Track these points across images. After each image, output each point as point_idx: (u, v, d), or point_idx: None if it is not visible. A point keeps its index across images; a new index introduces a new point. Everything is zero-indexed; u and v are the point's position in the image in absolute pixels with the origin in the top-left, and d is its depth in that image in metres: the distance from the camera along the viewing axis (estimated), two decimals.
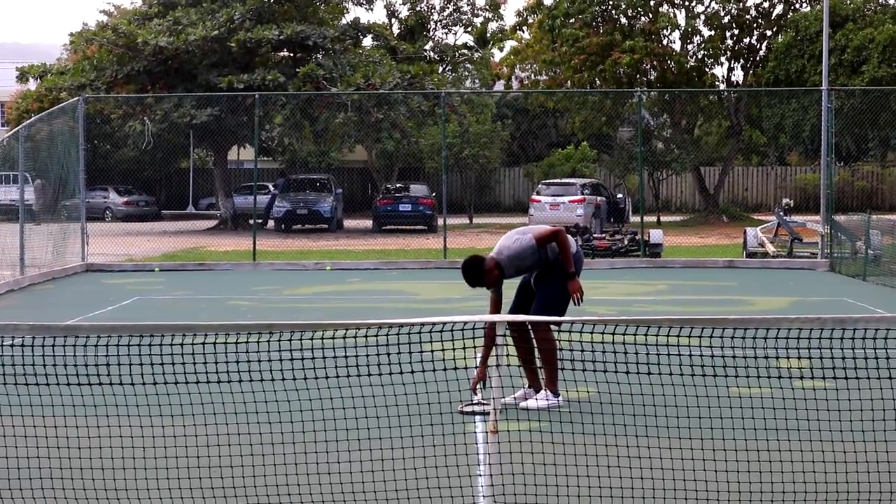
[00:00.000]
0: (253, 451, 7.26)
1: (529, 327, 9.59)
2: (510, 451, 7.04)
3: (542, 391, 9.79)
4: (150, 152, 45.52)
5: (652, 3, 46.40)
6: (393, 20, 59.45)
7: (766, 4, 47.09)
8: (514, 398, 9.77)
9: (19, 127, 25.13)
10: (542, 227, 10.17)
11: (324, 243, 35.70)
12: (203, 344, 6.68)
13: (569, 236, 10.13)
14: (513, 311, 10.11)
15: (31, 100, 52.44)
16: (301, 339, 6.93)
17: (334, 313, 17.44)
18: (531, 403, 9.69)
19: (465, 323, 6.60)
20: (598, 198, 40.11)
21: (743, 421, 7.62)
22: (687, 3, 47.28)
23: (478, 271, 9.82)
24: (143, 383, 6.80)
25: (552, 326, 9.25)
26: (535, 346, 9.69)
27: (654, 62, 46.68)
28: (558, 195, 37.39)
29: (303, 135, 44.16)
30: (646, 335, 6.71)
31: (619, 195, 43.04)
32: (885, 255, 23.14)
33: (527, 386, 9.94)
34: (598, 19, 46.23)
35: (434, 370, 6.90)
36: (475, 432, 8.32)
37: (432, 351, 6.89)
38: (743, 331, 6.71)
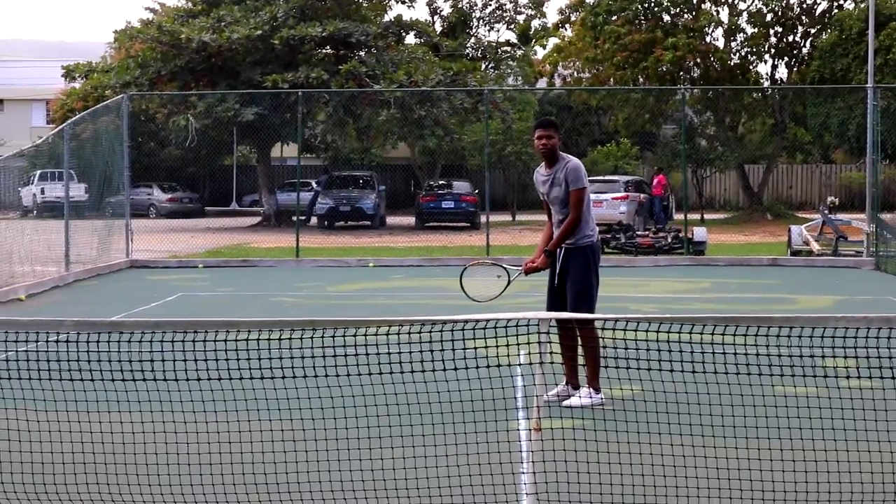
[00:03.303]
0: (296, 447, 7.26)
1: (575, 324, 9.54)
2: (553, 448, 7.02)
3: (585, 388, 9.75)
4: (194, 149, 45.73)
5: (694, 0, 46.20)
6: (435, 17, 59.49)
7: (809, 1, 46.77)
8: (557, 395, 9.75)
9: (64, 125, 25.30)
10: (585, 203, 10.12)
11: (366, 240, 35.75)
12: (246, 340, 6.69)
13: (584, 228, 10.07)
14: (549, 304, 10.12)
15: (76, 98, 52.87)
16: (344, 336, 6.92)
17: (377, 310, 17.46)
18: (574, 401, 9.66)
19: (509, 320, 6.57)
20: (642, 195, 40.00)
21: (788, 420, 7.56)
22: (730, 1, 47.06)
23: (556, 124, 10.34)
24: (188, 379, 6.81)
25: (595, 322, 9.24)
26: (580, 342, 9.64)
27: (697, 59, 46.48)
28: (601, 192, 37.19)
29: (346, 132, 44.26)
30: (690, 333, 6.68)
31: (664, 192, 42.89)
32: None
33: (565, 383, 9.91)
34: (641, 16, 46.09)
35: (478, 367, 6.88)
36: (518, 429, 8.30)
37: (475, 348, 6.88)
38: (788, 329, 6.67)
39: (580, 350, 9.71)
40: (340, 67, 39.78)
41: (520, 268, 10.14)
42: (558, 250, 9.99)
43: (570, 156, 10.18)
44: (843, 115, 45.14)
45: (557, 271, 10.01)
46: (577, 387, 9.85)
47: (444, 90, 39.37)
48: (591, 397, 9.66)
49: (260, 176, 46.98)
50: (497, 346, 6.74)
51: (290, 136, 45.02)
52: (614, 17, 45.64)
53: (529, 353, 6.58)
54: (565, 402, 9.66)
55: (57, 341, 6.99)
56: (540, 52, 62.25)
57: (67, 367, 6.86)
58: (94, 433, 7.20)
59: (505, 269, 10.17)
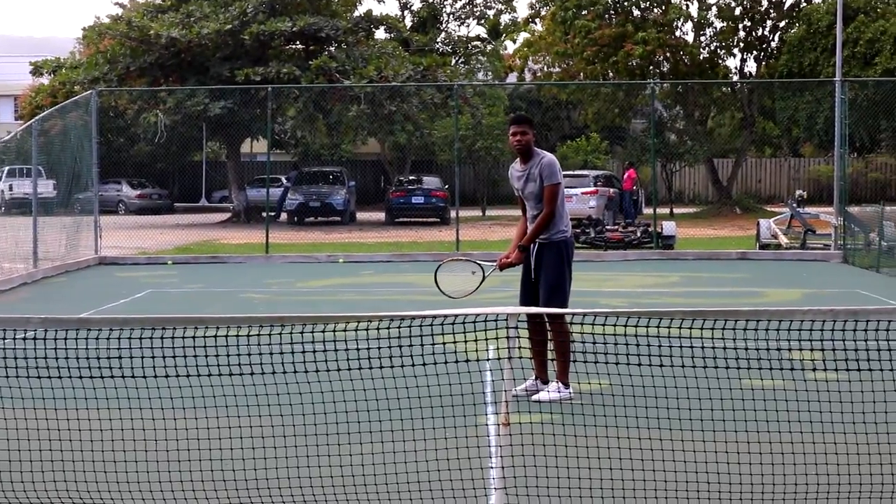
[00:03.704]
0: (265, 443, 7.27)
1: (546, 319, 9.57)
2: (522, 443, 7.03)
3: (554, 383, 9.78)
4: (164, 145, 45.59)
5: None
6: (405, 12, 59.44)
7: None
8: (526, 390, 9.79)
9: (33, 121, 25.17)
10: (559, 199, 10.16)
11: (336, 236, 35.73)
12: (215, 336, 6.68)
13: (556, 225, 10.09)
14: (522, 299, 10.15)
15: (44, 94, 52.60)
16: (313, 332, 6.93)
17: (347, 306, 17.46)
18: (543, 396, 9.69)
19: (478, 315, 6.59)
20: (611, 189, 40.08)
21: (755, 413, 7.61)
22: None
23: (531, 120, 10.30)
24: (156, 376, 6.80)
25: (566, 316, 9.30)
26: (550, 337, 9.67)
27: (667, 54, 46.63)
28: (571, 187, 37.19)
29: (315, 127, 44.20)
30: (658, 327, 6.70)
31: (634, 187, 43.01)
32: None
33: (534, 378, 9.94)
34: (611, 11, 46.18)
35: (446, 362, 6.89)
36: (487, 424, 8.32)
37: (444, 343, 6.89)
38: (755, 323, 6.69)
39: (550, 345, 9.75)
40: (310, 63, 39.71)
41: (494, 263, 10.17)
42: (532, 245, 10.03)
43: (544, 152, 10.21)
44: (811, 109, 45.35)
45: (532, 266, 10.04)
46: (545, 381, 9.88)
47: (413, 85, 39.35)
48: (559, 392, 9.70)
49: (229, 172, 46.88)
50: (466, 342, 6.76)
51: (260, 131, 45.02)
52: (584, 12, 45.70)
53: (498, 349, 6.59)
54: (534, 397, 9.70)
55: (24, 338, 6.97)
56: (510, 47, 62.31)
57: (35, 364, 6.84)
58: (62, 430, 7.17)
59: (479, 265, 10.18)
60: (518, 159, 10.27)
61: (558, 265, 9.98)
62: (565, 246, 10.07)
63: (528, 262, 10.08)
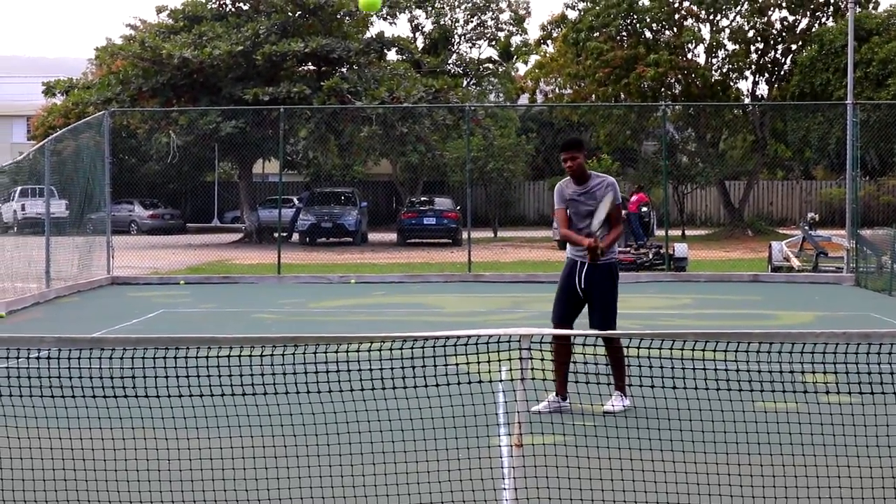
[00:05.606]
0: (278, 463, 7.26)
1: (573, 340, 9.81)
2: (534, 464, 7.02)
3: (617, 393, 9.96)
4: (176, 166, 45.69)
5: (676, 17, 46.35)
6: (417, 34, 59.58)
7: (790, 18, 46.98)
8: (559, 404, 9.90)
9: (45, 141, 25.23)
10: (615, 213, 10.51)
11: (348, 256, 35.74)
12: (228, 357, 6.69)
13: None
14: (562, 315, 10.39)
15: (57, 114, 52.81)
16: (326, 352, 6.93)
17: (359, 326, 17.45)
18: (617, 407, 9.90)
19: (490, 336, 6.59)
20: (623, 211, 40.03)
21: (768, 435, 7.59)
22: (711, 18, 47.23)
23: (579, 144, 10.61)
24: (169, 396, 6.81)
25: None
26: (608, 353, 9.91)
27: (679, 76, 46.63)
28: None
29: (327, 148, 44.28)
30: (671, 349, 6.69)
31: (644, 209, 43.01)
32: None
33: (555, 393, 9.96)
34: (623, 33, 46.22)
35: (459, 383, 6.89)
36: (500, 446, 8.31)
37: (457, 364, 6.89)
38: (768, 345, 6.68)
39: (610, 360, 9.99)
40: (322, 84, 39.80)
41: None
42: (579, 264, 10.35)
43: (604, 174, 10.68)
44: (823, 131, 45.27)
45: (581, 285, 10.31)
46: (564, 397, 9.95)
47: (425, 107, 39.41)
48: (622, 400, 9.96)
49: (241, 192, 46.96)
50: (479, 363, 6.76)
51: (272, 152, 45.08)
52: (596, 34, 45.74)
53: (511, 370, 6.59)
54: (605, 408, 9.78)
55: (38, 358, 6.98)
56: (521, 69, 62.42)
57: (49, 384, 6.85)
58: (76, 450, 7.18)
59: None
60: (570, 179, 10.55)
61: (612, 288, 10.36)
62: (615, 268, 10.48)
63: (574, 278, 10.35)
